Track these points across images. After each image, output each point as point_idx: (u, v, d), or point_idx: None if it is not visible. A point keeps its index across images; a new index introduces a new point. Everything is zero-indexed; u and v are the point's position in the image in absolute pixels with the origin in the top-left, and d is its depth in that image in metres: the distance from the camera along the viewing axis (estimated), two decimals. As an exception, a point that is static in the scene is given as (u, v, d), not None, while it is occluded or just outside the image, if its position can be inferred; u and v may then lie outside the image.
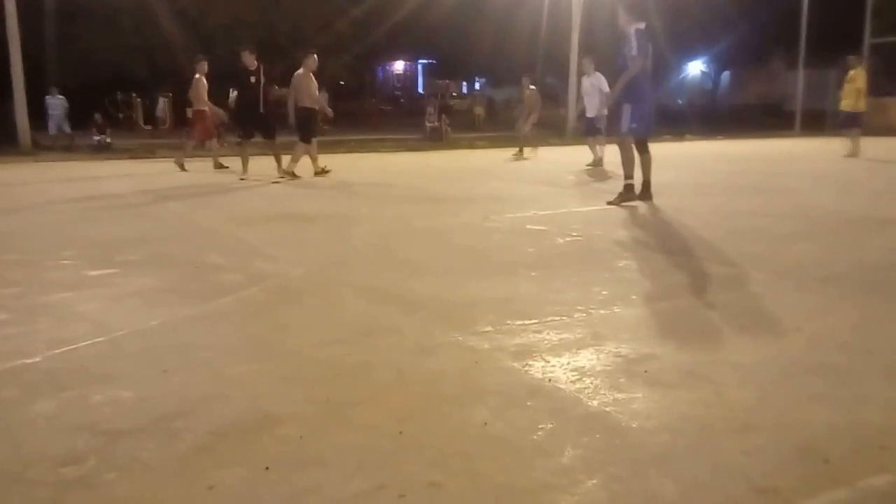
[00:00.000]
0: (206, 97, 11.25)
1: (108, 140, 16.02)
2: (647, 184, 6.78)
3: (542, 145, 17.96)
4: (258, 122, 9.67)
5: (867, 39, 23.53)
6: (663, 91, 35.38)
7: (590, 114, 11.47)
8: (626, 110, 6.56)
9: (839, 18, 23.79)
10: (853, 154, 12.53)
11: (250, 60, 9.56)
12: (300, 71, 9.60)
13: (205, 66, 11.28)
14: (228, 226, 5.79)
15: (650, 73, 6.63)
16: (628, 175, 6.72)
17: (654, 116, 6.86)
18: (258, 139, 10.00)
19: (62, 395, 2.29)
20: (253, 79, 9.53)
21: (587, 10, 20.71)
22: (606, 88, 10.76)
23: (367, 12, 24.89)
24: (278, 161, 9.58)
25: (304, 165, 9.70)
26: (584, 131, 12.08)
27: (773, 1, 25.67)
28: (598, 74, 11.27)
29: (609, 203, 6.65)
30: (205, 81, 11.26)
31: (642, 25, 6.49)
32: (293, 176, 9.39)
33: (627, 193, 6.68)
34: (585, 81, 11.58)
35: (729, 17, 25.98)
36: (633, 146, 6.69)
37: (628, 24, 6.49)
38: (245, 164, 9.68)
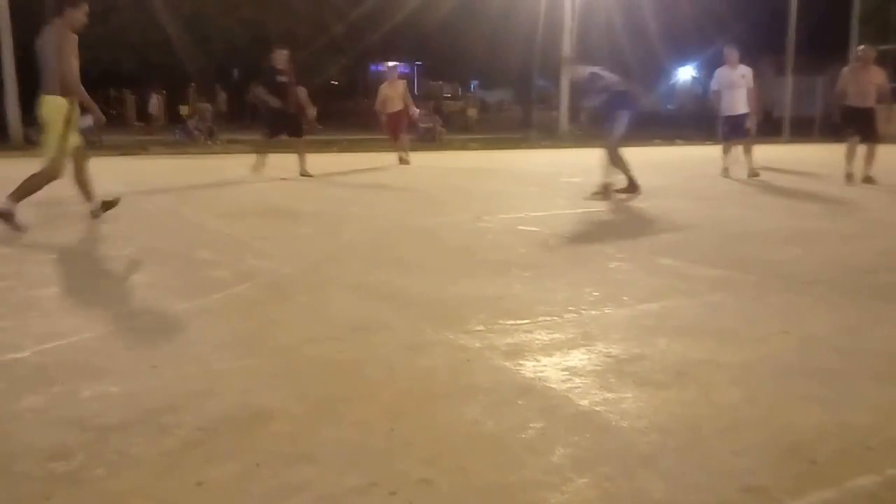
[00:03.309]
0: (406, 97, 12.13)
1: (95, 130, 15.71)
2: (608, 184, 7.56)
3: (537, 147, 18.03)
4: (288, 122, 9.54)
5: (854, 47, 23.73)
6: (654, 97, 35.59)
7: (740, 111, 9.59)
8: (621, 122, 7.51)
9: (827, 26, 23.97)
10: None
11: (282, 58, 9.37)
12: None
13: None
14: (219, 222, 5.77)
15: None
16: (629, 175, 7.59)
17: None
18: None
19: (51, 389, 2.28)
20: (283, 78, 9.40)
21: (582, 15, 20.77)
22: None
23: (363, 15, 24.86)
24: (302, 159, 9.45)
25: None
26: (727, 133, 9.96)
27: (760, 8, 25.85)
28: (743, 66, 9.52)
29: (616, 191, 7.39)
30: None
31: (595, 68, 7.61)
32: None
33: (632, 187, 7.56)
34: (732, 74, 9.53)
35: (717, 23, 26.14)
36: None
37: (583, 72, 7.69)
38: (261, 161, 9.53)
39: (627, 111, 7.50)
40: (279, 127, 9.62)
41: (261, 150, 9.81)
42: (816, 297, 3.56)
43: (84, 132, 16.53)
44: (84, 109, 5.42)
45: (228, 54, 25.24)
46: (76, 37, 5.10)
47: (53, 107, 5.05)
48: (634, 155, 12.50)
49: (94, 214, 5.51)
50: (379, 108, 12.18)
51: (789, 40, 23.48)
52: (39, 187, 5.17)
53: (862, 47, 9.19)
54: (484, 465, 1.81)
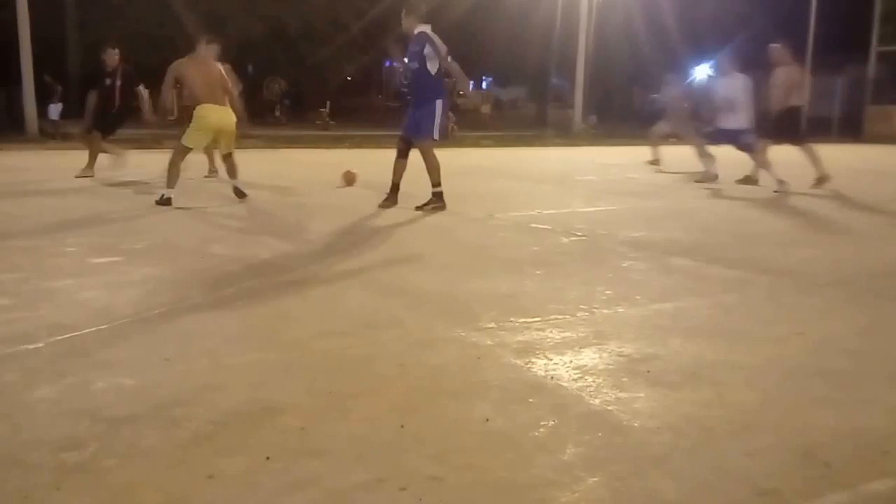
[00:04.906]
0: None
1: (57, 119, 15.33)
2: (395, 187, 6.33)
3: (551, 145, 17.97)
4: (108, 120, 9.14)
5: (874, 47, 23.49)
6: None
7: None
8: (438, 117, 6.13)
9: (846, 26, 23.75)
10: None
11: (111, 59, 9.03)
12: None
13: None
14: (232, 217, 5.79)
15: (439, 77, 6.23)
16: (438, 182, 6.21)
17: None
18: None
19: (64, 380, 2.29)
20: (108, 80, 8.97)
21: (600, 12, 20.72)
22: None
23: (380, 11, 24.91)
24: (92, 158, 8.93)
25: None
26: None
27: (779, 9, 25.65)
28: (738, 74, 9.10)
29: (418, 208, 6.09)
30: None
31: (425, 28, 6.21)
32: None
33: (439, 200, 6.15)
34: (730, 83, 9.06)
35: (736, 22, 25.96)
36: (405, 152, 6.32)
37: (411, 27, 6.30)
38: (92, 159, 8.94)
39: (442, 101, 6.16)
40: (102, 124, 9.09)
41: (90, 147, 9.29)
42: (830, 298, 3.53)
43: (50, 120, 15.91)
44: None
45: (243, 49, 25.35)
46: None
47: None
48: (645, 154, 12.46)
49: (237, 193, 6.68)
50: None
51: (808, 41, 23.29)
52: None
53: (771, 46, 8.47)
54: (494, 463, 1.80)
